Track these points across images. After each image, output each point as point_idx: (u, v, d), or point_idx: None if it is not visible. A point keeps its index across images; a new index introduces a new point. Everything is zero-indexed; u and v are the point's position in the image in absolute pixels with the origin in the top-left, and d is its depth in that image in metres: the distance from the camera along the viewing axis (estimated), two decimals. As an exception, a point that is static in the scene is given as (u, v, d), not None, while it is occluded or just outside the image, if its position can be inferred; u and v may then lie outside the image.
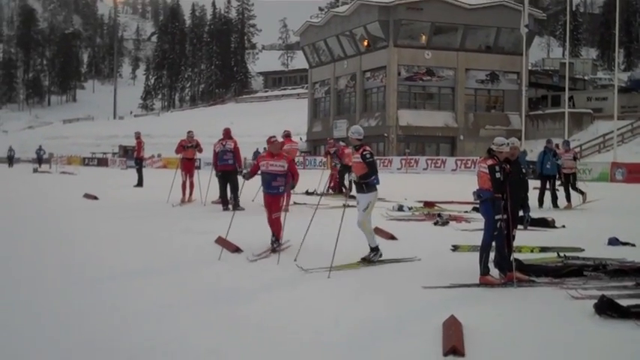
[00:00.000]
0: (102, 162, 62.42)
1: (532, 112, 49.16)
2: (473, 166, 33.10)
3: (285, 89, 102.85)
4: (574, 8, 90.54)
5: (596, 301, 6.16)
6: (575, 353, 5.28)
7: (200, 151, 17.54)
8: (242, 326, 5.88)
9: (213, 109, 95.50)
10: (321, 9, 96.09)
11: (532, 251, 9.39)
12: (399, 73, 47.67)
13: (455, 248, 9.75)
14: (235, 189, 14.76)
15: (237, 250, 9.42)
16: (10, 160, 50.93)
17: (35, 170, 42.05)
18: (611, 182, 28.79)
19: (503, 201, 7.39)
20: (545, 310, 6.38)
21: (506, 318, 6.16)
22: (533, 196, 12.05)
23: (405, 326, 5.90)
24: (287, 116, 66.56)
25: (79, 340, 5.50)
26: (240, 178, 10.62)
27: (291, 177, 9.73)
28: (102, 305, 6.59)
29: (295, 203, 15.96)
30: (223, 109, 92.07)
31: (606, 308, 6.00)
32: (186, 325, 5.90)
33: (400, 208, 15.14)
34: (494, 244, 7.51)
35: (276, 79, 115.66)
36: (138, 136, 23.55)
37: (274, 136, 10.01)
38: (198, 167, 19.16)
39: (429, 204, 15.95)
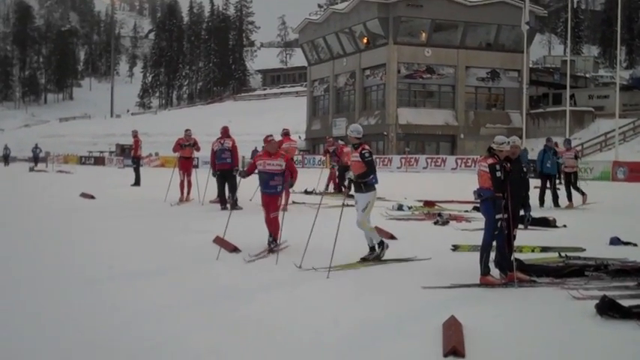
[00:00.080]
0: (99, 161, 62.39)
1: (533, 110, 49.16)
2: (473, 164, 33.10)
3: (283, 87, 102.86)
4: (575, 5, 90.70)
5: (597, 301, 6.17)
6: (577, 354, 5.28)
7: (198, 149, 17.54)
8: (241, 326, 5.88)
9: (211, 108, 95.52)
10: (320, 6, 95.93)
11: (533, 251, 9.40)
12: (399, 71, 47.66)
13: (455, 248, 9.75)
14: (234, 188, 14.75)
15: (235, 249, 9.42)
16: (6, 158, 50.91)
17: (31, 169, 42.07)
18: (613, 181, 28.80)
19: (504, 200, 7.39)
20: (546, 311, 6.38)
21: (507, 318, 6.17)
22: (534, 195, 12.05)
23: (404, 327, 5.91)
24: (286, 114, 66.54)
25: (77, 340, 5.50)
26: (238, 178, 10.57)
27: (289, 175, 9.71)
28: (100, 305, 6.59)
29: (294, 202, 15.96)
30: (221, 108, 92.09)
31: (608, 309, 6.00)
32: (185, 325, 5.91)
33: (400, 208, 15.14)
34: (494, 243, 7.51)
35: (274, 77, 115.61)
36: (135, 134, 23.53)
37: (271, 135, 9.93)
38: (196, 166, 19.16)
39: (428, 203, 15.95)
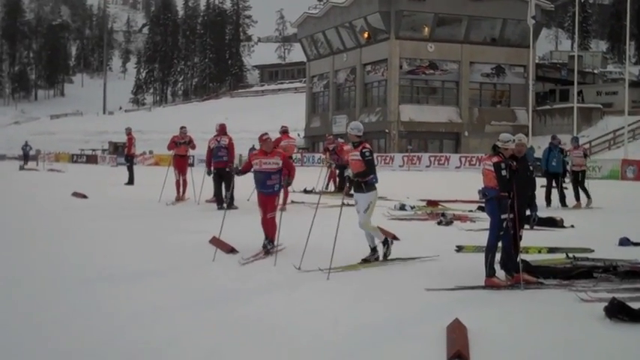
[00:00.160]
0: (91, 159, 62.39)
1: (539, 107, 49.17)
2: (478, 163, 33.12)
3: (282, 83, 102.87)
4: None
5: (606, 304, 6.16)
6: (585, 358, 5.28)
7: (193, 147, 17.54)
8: (239, 329, 5.88)
9: (207, 104, 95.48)
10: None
11: (540, 252, 9.40)
12: (401, 67, 47.65)
13: (459, 249, 9.76)
14: (230, 187, 14.76)
15: (232, 250, 9.43)
16: (-5, 157, 50.88)
17: (21, 167, 42.06)
18: (622, 180, 28.81)
19: (510, 200, 7.39)
20: (553, 314, 6.38)
21: (513, 321, 6.17)
22: (540, 194, 12.06)
23: (407, 330, 5.91)
24: (284, 111, 66.56)
25: (71, 343, 5.50)
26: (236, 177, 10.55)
27: (286, 173, 9.68)
28: (94, 308, 6.59)
29: (293, 202, 15.97)
30: (217, 104, 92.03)
31: (617, 311, 6.00)
32: (181, 328, 5.91)
33: (402, 207, 15.15)
34: (500, 244, 7.51)
35: (272, 73, 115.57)
36: (129, 132, 23.53)
37: (266, 134, 9.80)
38: (192, 164, 19.16)
39: (432, 203, 15.96)
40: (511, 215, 7.42)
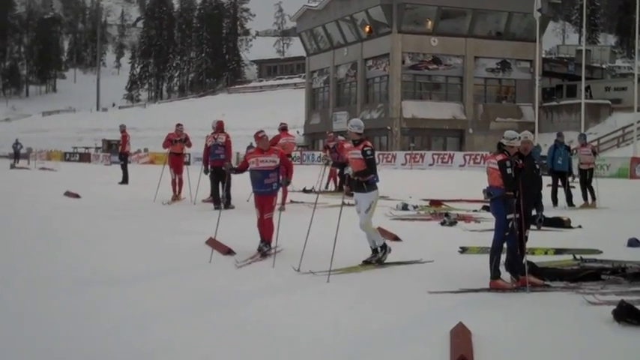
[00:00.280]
0: (84, 157, 62.39)
1: (546, 103, 49.14)
2: (482, 161, 33.11)
3: (280, 79, 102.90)
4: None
5: (614, 306, 6.16)
6: (593, 363, 5.29)
7: (189, 145, 17.54)
8: (236, 332, 5.88)
9: (204, 100, 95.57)
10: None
11: (546, 253, 9.40)
12: (404, 62, 47.62)
13: (463, 250, 9.76)
14: (228, 186, 14.76)
15: (229, 252, 9.42)
16: (-15, 155, 50.91)
17: (12, 166, 42.08)
18: (631, 179, 28.82)
19: (516, 199, 7.39)
20: (560, 317, 6.38)
21: (519, 325, 6.17)
22: (547, 193, 12.05)
23: (409, 334, 5.91)
24: (283, 108, 66.58)
25: (62, 348, 5.50)
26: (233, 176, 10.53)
27: (284, 172, 9.65)
28: (86, 311, 6.59)
29: (292, 202, 15.97)
30: (214, 100, 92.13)
31: (626, 314, 6.00)
32: (177, 332, 5.91)
33: (404, 207, 15.16)
34: (505, 245, 7.51)
35: (271, 68, 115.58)
36: (123, 129, 23.53)
37: (262, 131, 9.72)
38: (188, 163, 19.16)
39: (435, 202, 15.96)
40: (517, 215, 7.41)
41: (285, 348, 5.53)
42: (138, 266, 8.81)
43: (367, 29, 49.90)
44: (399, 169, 38.32)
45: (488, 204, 8.38)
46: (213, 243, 9.68)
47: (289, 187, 14.66)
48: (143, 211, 15.06)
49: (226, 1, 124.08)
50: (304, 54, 60.97)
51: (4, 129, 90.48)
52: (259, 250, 9.34)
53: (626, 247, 9.91)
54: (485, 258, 7.68)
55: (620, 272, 7.77)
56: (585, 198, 16.21)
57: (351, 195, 8.86)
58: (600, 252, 9.37)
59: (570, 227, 12.22)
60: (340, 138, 20.44)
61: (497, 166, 7.42)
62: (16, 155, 47.62)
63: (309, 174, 20.67)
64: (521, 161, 7.50)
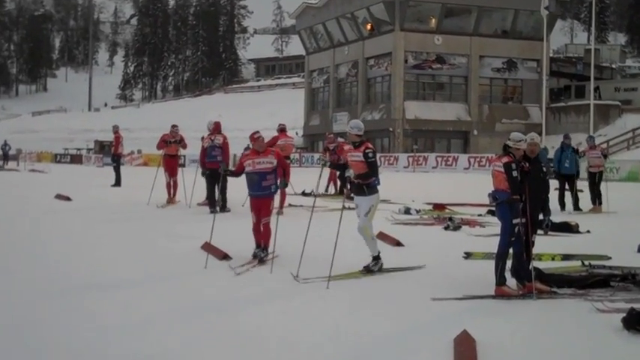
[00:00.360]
0: (75, 159, 62.37)
1: (553, 104, 49.15)
2: (487, 164, 33.10)
3: (279, 78, 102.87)
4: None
5: (624, 314, 6.18)
6: (601, 372, 5.29)
7: (184, 147, 17.55)
8: (233, 339, 5.89)
9: (200, 100, 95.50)
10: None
11: (553, 259, 9.41)
12: (406, 61, 47.63)
13: (467, 256, 9.77)
14: (223, 189, 14.79)
15: (225, 257, 9.43)
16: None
17: (1, 168, 42.04)
18: (642, 182, 28.79)
19: (522, 203, 7.40)
20: (567, 325, 6.39)
21: (525, 333, 6.17)
22: (554, 197, 12.08)
23: (411, 342, 5.92)
24: (281, 108, 66.60)
25: (54, 354, 5.50)
26: (221, 172, 10.48)
27: (281, 173, 9.64)
28: (77, 318, 6.59)
29: (290, 205, 15.97)
30: (210, 100, 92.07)
31: (635, 322, 6.01)
32: (172, 339, 5.91)
33: (407, 211, 15.17)
34: (511, 251, 7.52)
35: (269, 67, 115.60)
36: (116, 130, 23.53)
37: (258, 132, 9.71)
38: (183, 165, 19.17)
39: (438, 206, 15.97)
40: (523, 220, 7.42)
41: (283, 355, 5.54)
42: (131, 271, 8.81)
43: (369, 27, 49.92)
44: (401, 171, 38.31)
45: (493, 208, 8.38)
46: (208, 248, 9.68)
47: (288, 190, 14.68)
48: (137, 215, 15.06)
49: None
50: (303, 53, 60.97)
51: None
52: (254, 256, 9.32)
53: (636, 253, 9.92)
54: (491, 264, 7.68)
55: (630, 279, 7.78)
56: (594, 202, 16.23)
57: (352, 198, 8.86)
58: (609, 258, 9.38)
59: (578, 232, 12.22)
60: (340, 139, 20.46)
61: (502, 169, 7.43)
62: (5, 157, 47.56)
63: (309, 177, 20.67)
64: (527, 164, 7.51)
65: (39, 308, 6.94)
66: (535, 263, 7.82)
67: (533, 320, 6.59)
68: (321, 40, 55.99)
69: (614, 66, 60.20)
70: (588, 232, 12.27)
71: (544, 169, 7.87)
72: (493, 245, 7.99)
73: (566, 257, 9.52)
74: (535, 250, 7.89)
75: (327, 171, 18.28)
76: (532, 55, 48.29)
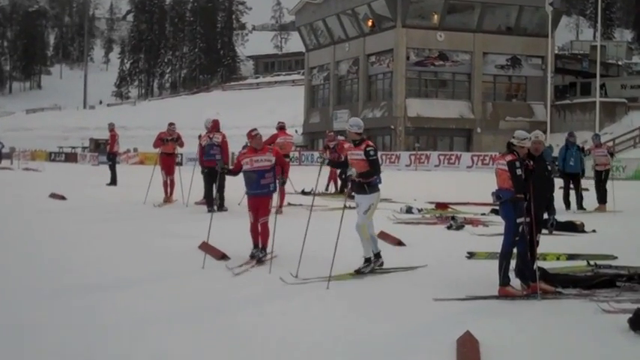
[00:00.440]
0: (70, 157, 62.35)
1: (558, 101, 49.18)
2: (491, 162, 33.12)
3: (278, 75, 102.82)
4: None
5: (630, 315, 6.17)
6: (607, 374, 5.29)
7: (181, 145, 17.55)
8: (232, 340, 5.89)
9: (197, 98, 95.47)
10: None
11: (558, 259, 9.41)
12: (408, 58, 47.64)
13: (471, 255, 9.77)
14: (221, 188, 14.79)
15: (223, 257, 9.43)
16: (-34, 155, 50.79)
17: (-6, 166, 42.02)
18: (648, 181, 28.79)
19: (526, 202, 7.39)
20: (572, 326, 6.39)
21: (529, 334, 6.17)
22: (558, 196, 12.08)
23: (413, 343, 5.91)
24: (280, 106, 66.59)
25: (46, 357, 5.49)
26: (219, 169, 10.46)
27: (279, 171, 9.64)
28: (71, 319, 6.58)
29: (290, 204, 15.98)
30: (208, 98, 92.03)
31: (642, 323, 6.01)
32: (168, 341, 5.91)
33: (409, 210, 15.17)
34: (515, 250, 7.52)
35: (268, 64, 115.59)
36: (111, 128, 23.53)
37: (255, 129, 9.71)
38: (180, 163, 19.17)
39: (441, 205, 15.97)
40: (527, 219, 7.42)
41: (283, 356, 5.53)
42: (128, 271, 8.81)
43: (370, 23, 49.90)
44: (403, 170, 38.32)
45: (497, 207, 8.39)
46: (206, 247, 9.68)
47: (288, 188, 14.67)
48: (133, 214, 15.06)
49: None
50: (303, 49, 60.98)
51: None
52: (252, 257, 9.31)
53: (642, 253, 9.93)
54: (494, 264, 7.68)
55: (637, 279, 7.77)
56: (600, 201, 16.23)
57: (353, 197, 8.86)
58: (615, 257, 9.38)
59: (584, 231, 12.23)
60: (341, 138, 20.44)
61: (506, 168, 7.43)
62: (-2, 155, 47.54)
63: (308, 175, 20.67)
64: (531, 162, 7.51)
65: (33, 309, 6.93)
66: (540, 263, 7.82)
67: (537, 321, 6.59)
68: (322, 37, 55.98)
69: (620, 63, 60.18)
70: (594, 231, 12.27)
71: (549, 167, 7.87)
72: (497, 245, 7.99)
73: (571, 257, 9.52)
74: (540, 250, 7.90)
75: (327, 169, 18.28)
76: (537, 52, 48.30)
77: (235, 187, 11.75)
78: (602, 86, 45.14)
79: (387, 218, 13.50)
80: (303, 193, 19.44)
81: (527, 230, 7.44)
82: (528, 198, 7.40)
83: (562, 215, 12.37)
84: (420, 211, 15.28)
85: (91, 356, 5.56)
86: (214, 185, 14.81)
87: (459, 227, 12.73)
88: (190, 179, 16.09)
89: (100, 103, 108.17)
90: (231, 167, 10.16)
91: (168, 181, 17.12)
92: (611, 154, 17.19)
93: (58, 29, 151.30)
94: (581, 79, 52.20)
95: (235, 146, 21.82)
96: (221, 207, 14.61)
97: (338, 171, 19.27)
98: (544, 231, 8.03)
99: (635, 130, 41.77)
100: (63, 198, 18.22)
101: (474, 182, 23.76)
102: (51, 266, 9.14)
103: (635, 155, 35.70)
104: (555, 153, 17.93)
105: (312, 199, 9.67)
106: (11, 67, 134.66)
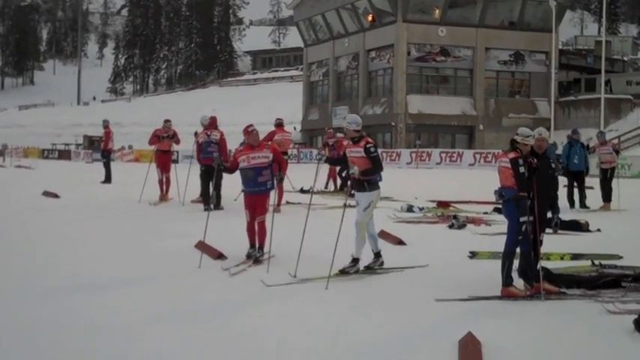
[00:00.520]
0: (64, 154, 62.33)
1: (562, 97, 49.20)
2: (493, 160, 33.11)
3: (276, 71, 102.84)
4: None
5: (636, 316, 6.18)
6: (612, 376, 5.30)
7: (177, 142, 17.54)
8: (228, 341, 5.89)
9: (193, 94, 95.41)
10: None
11: (562, 259, 9.42)
12: (409, 53, 47.63)
13: (473, 255, 9.77)
14: (218, 186, 14.77)
15: (220, 256, 9.43)
16: (-43, 152, 50.87)
17: (-14, 164, 42.03)
18: (654, 179, 28.80)
19: (529, 201, 7.39)
20: (576, 327, 6.39)
21: (532, 335, 6.18)
22: (563, 195, 12.08)
23: (414, 344, 5.92)
24: (279, 102, 66.53)
25: (41, 357, 5.49)
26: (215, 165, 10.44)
27: (277, 168, 9.63)
28: (64, 320, 6.57)
29: (288, 202, 15.98)
30: (205, 94, 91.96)
31: (648, 324, 6.01)
32: (166, 342, 5.91)
33: (409, 209, 15.16)
34: (518, 250, 7.52)
35: (265, 60, 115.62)
36: (106, 124, 23.52)
37: (252, 125, 9.66)
38: (176, 161, 19.17)
39: (443, 204, 15.97)
40: (531, 218, 7.42)
41: (281, 357, 5.53)
42: (122, 271, 8.80)
43: (370, 18, 49.88)
44: (403, 168, 38.32)
45: (499, 206, 8.39)
46: (202, 246, 9.67)
47: (286, 187, 14.66)
48: (128, 213, 15.06)
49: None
50: (302, 45, 60.95)
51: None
52: (248, 256, 9.31)
53: (648, 253, 9.93)
54: (497, 263, 7.68)
55: (642, 279, 7.78)
56: (605, 199, 16.24)
57: (353, 196, 8.85)
58: (620, 257, 9.39)
59: (589, 231, 12.23)
60: (340, 135, 20.44)
61: (509, 165, 7.43)
62: (-10, 152, 47.58)
63: (307, 173, 20.67)
64: (535, 160, 7.51)
65: (25, 309, 6.93)
66: (543, 263, 7.82)
67: (541, 322, 6.59)
68: (320, 32, 55.96)
69: (625, 58, 60.28)
70: (599, 230, 12.28)
71: (552, 165, 7.87)
72: (499, 244, 7.99)
73: (575, 257, 9.53)
74: (543, 250, 7.89)
75: (325, 167, 18.28)
76: (540, 47, 48.30)
77: (232, 185, 11.72)
78: (607, 82, 45.16)
79: (387, 217, 13.51)
80: (302, 191, 19.43)
81: (531, 229, 7.44)
82: (532, 196, 7.39)
83: (566, 214, 12.38)
84: (421, 209, 15.27)
85: (85, 357, 5.56)
86: (211, 183, 14.82)
87: (461, 226, 12.73)
88: (187, 177, 16.09)
89: (94, 99, 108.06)
90: (227, 164, 10.12)
91: (164, 179, 17.12)
92: (617, 152, 17.20)
93: (50, 24, 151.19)
94: (586, 75, 52.26)
95: (232, 144, 21.73)
96: (217, 205, 14.60)
97: (337, 169, 19.27)
98: (548, 230, 8.03)
99: (640, 127, 41.82)
100: (56, 196, 18.21)
101: (476, 180, 23.76)
102: (43, 265, 9.14)
103: (641, 153, 35.73)
104: (559, 150, 17.95)
105: (310, 197, 9.66)
106: (3, 63, 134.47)
